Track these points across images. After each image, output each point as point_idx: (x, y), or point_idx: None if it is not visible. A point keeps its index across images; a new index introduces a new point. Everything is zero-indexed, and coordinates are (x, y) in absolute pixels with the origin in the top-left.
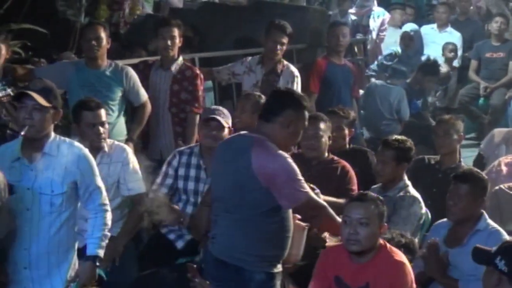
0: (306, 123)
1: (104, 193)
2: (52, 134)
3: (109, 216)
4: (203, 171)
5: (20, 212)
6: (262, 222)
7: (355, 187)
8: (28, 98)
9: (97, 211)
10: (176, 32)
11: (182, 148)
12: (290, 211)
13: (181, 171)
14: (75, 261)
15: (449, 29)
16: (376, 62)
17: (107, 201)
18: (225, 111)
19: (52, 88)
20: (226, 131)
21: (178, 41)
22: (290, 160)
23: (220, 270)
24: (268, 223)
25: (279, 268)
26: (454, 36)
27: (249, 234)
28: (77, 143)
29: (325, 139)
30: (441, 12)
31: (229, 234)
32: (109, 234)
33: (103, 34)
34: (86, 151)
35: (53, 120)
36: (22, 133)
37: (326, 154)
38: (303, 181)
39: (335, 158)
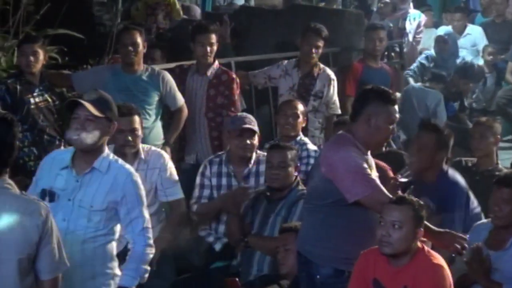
0: (394, 118)
1: (149, 225)
2: (106, 151)
3: (150, 250)
4: (234, 178)
5: (57, 222)
6: (329, 214)
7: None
8: (80, 109)
9: (135, 241)
10: (214, 38)
11: (211, 157)
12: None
13: (214, 181)
14: (114, 273)
15: (468, 29)
16: (415, 64)
17: (150, 234)
18: (252, 117)
19: (107, 99)
20: (257, 138)
21: (215, 47)
22: (354, 154)
23: (297, 260)
24: (335, 216)
25: (352, 267)
26: (475, 32)
27: (317, 225)
28: (129, 166)
29: None
30: (457, 19)
31: (303, 224)
32: (148, 268)
33: (139, 39)
34: (137, 176)
35: (107, 133)
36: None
37: None
38: (368, 177)
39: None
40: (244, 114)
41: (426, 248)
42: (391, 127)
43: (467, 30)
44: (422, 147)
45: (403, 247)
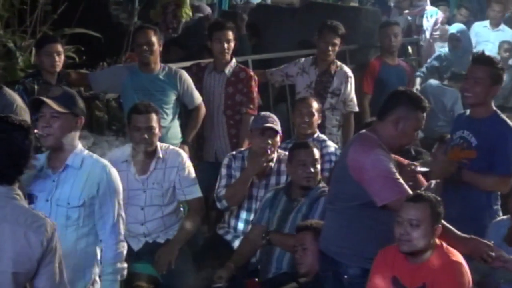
0: (421, 124)
1: (121, 222)
2: (79, 147)
3: (122, 247)
4: (255, 175)
5: None
6: (356, 216)
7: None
8: (45, 107)
9: (106, 242)
10: (231, 35)
11: (233, 152)
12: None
13: (236, 176)
14: (93, 279)
15: (502, 26)
16: (426, 65)
17: (121, 230)
18: (275, 116)
19: (72, 94)
20: (279, 137)
21: (233, 44)
22: (383, 157)
23: (320, 260)
24: (362, 217)
25: None
26: (507, 33)
27: (344, 227)
28: (104, 160)
29: None
30: (497, 11)
31: (328, 225)
32: (124, 266)
33: (154, 38)
34: (113, 170)
35: (75, 128)
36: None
37: None
38: (397, 181)
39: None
40: (268, 113)
41: (444, 245)
42: (416, 133)
43: (501, 26)
44: (476, 80)
45: (422, 245)
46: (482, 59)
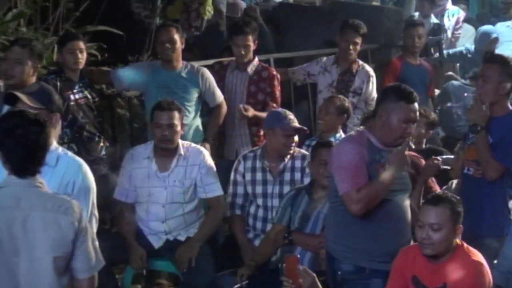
0: (408, 115)
1: (93, 221)
2: (54, 145)
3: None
4: (269, 173)
5: None
6: (343, 211)
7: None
8: (20, 102)
9: None
10: (250, 40)
11: (245, 152)
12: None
13: (248, 176)
14: None
15: None
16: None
17: (94, 229)
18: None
19: (48, 90)
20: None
21: (252, 46)
22: (350, 150)
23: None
24: (339, 210)
25: (374, 265)
26: None
27: (336, 222)
28: (79, 158)
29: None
30: None
31: (327, 222)
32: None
33: (176, 36)
34: (87, 168)
35: (50, 125)
36: None
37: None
38: (355, 173)
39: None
40: (288, 112)
41: (465, 244)
42: (405, 125)
43: None
44: (485, 79)
45: (444, 247)
46: (491, 58)
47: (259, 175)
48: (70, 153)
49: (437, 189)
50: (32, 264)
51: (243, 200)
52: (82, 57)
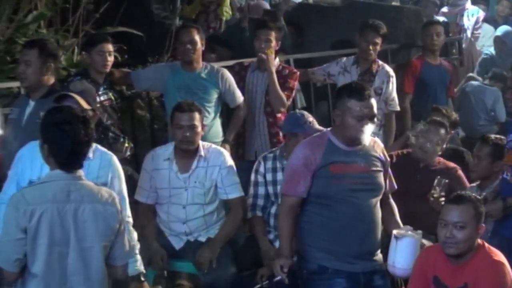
0: (359, 113)
1: (128, 206)
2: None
3: (131, 227)
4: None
5: None
6: (308, 212)
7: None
8: (69, 101)
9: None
10: (272, 35)
11: (265, 153)
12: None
13: (269, 176)
14: None
15: None
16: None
17: (130, 214)
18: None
19: (91, 90)
20: None
21: (274, 44)
22: (300, 152)
23: None
24: (311, 213)
25: (336, 265)
26: None
27: (301, 222)
28: (108, 151)
29: (440, 147)
30: None
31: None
32: (138, 244)
33: (197, 37)
34: (116, 159)
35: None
36: None
37: (435, 160)
38: (294, 177)
39: (441, 161)
40: (307, 113)
41: (486, 244)
42: (360, 122)
43: None
44: (480, 157)
45: (468, 246)
46: (486, 139)
47: (279, 175)
48: (99, 146)
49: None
50: (82, 254)
51: (264, 201)
52: (111, 60)
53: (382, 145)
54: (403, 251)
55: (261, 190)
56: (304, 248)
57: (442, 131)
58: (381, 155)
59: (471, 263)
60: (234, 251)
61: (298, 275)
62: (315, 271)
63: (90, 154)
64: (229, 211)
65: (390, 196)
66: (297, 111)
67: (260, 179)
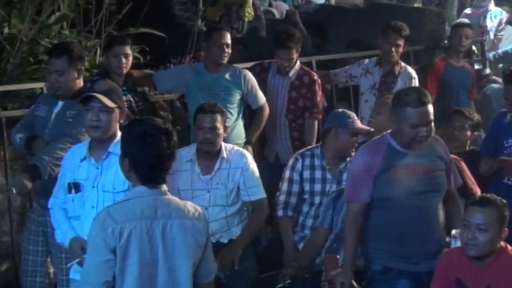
0: (414, 120)
1: None
2: (118, 134)
3: None
4: (328, 172)
5: (87, 210)
6: (368, 214)
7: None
8: (94, 101)
9: None
10: (294, 53)
11: (302, 151)
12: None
13: (306, 174)
14: None
15: None
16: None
17: None
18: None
19: (116, 88)
20: None
21: (295, 57)
22: (361, 157)
23: None
24: (370, 215)
25: (400, 265)
26: None
27: (365, 226)
28: None
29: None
30: None
31: None
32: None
33: (229, 40)
34: None
35: (119, 120)
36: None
37: None
38: (357, 183)
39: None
40: (350, 112)
41: (509, 247)
42: (415, 129)
43: None
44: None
45: (489, 249)
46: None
47: (318, 173)
48: None
49: (477, 190)
50: (172, 273)
51: (297, 199)
52: (127, 62)
53: (442, 141)
54: None
55: (295, 188)
56: (368, 249)
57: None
58: (443, 153)
59: (494, 266)
60: (257, 252)
61: (365, 276)
62: (379, 271)
63: (119, 151)
64: (251, 212)
65: (455, 192)
66: (339, 109)
67: (296, 176)
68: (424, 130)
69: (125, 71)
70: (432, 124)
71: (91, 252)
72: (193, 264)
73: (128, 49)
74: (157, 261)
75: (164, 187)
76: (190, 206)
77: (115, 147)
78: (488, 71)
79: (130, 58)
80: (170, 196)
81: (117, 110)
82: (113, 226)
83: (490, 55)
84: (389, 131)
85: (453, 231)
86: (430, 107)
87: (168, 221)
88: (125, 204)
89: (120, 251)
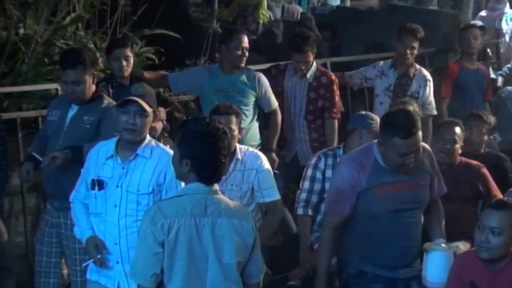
0: (401, 151)
1: None
2: (147, 137)
3: None
4: None
5: (109, 208)
6: (346, 222)
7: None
8: (131, 104)
9: None
10: (310, 56)
11: (324, 150)
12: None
13: (329, 173)
14: None
15: None
16: (507, 65)
17: None
18: None
19: (152, 92)
20: None
21: (312, 59)
22: (345, 173)
23: None
24: (347, 223)
25: (376, 270)
26: None
27: (342, 232)
28: (169, 150)
29: (458, 146)
30: None
31: None
32: None
33: (247, 43)
34: None
35: (151, 123)
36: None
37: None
38: (336, 198)
39: (463, 159)
40: (373, 114)
41: None
42: (402, 158)
43: None
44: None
45: (502, 253)
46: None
47: None
48: (161, 145)
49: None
50: (220, 271)
51: (318, 198)
52: (128, 64)
53: (429, 149)
54: (432, 265)
55: (317, 186)
56: (343, 252)
57: (457, 129)
58: (428, 165)
59: (508, 269)
60: (271, 254)
61: (338, 279)
62: (354, 275)
63: (148, 153)
64: (265, 214)
65: (438, 200)
66: (362, 112)
67: (319, 175)
68: (411, 157)
69: (126, 73)
70: (421, 148)
71: (140, 245)
72: (238, 264)
73: (128, 51)
74: (207, 257)
75: (216, 186)
76: (239, 206)
77: (144, 149)
78: (500, 83)
79: (131, 60)
80: (220, 196)
81: (151, 114)
82: (162, 220)
83: (506, 68)
84: (375, 141)
85: (425, 245)
86: (419, 135)
87: (218, 220)
88: (176, 200)
89: (168, 245)
